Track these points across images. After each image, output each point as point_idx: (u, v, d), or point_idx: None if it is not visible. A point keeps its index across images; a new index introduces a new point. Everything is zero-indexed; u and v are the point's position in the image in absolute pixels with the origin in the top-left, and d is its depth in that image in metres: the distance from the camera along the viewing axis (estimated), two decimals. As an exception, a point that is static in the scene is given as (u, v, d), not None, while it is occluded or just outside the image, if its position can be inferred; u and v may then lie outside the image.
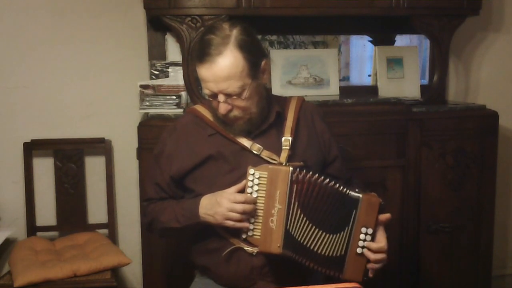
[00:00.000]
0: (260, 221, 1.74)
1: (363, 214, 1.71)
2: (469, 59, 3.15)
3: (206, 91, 1.76)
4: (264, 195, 1.73)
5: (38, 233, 2.79)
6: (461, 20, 2.76)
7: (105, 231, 2.83)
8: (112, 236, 2.81)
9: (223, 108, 1.74)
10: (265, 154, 1.79)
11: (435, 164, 2.65)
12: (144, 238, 2.49)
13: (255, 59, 1.75)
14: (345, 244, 1.73)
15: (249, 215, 1.72)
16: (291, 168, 1.72)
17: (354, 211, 1.72)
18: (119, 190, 2.91)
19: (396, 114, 2.62)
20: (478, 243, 2.74)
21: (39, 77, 2.80)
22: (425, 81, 3.14)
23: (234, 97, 1.73)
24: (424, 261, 2.70)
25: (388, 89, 2.92)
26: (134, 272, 2.92)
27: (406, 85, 2.94)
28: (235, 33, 1.72)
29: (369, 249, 1.72)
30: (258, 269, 1.78)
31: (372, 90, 3.01)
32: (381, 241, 1.73)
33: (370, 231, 1.72)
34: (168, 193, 1.88)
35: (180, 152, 1.85)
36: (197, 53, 1.74)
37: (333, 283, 1.68)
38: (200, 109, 1.90)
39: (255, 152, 1.79)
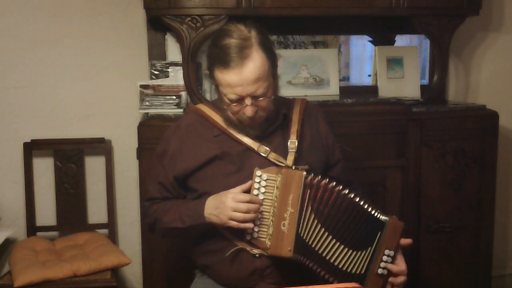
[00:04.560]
0: (266, 223, 1.74)
1: (388, 236, 1.74)
2: (469, 59, 3.15)
3: (231, 96, 1.71)
4: (271, 198, 1.73)
5: (38, 233, 2.79)
6: (461, 20, 2.76)
7: (105, 231, 2.83)
8: (112, 236, 2.81)
9: (250, 110, 1.72)
10: (272, 157, 1.78)
11: (435, 164, 2.65)
12: (144, 238, 2.49)
13: (274, 57, 1.75)
14: (366, 263, 1.75)
15: (254, 215, 1.71)
16: (304, 173, 1.72)
17: (380, 232, 1.74)
18: (119, 190, 2.91)
19: (396, 114, 2.62)
20: (478, 243, 2.74)
21: (39, 77, 2.80)
22: (425, 81, 3.14)
23: (261, 98, 1.72)
24: (424, 261, 2.70)
25: (388, 89, 2.92)
26: (134, 272, 2.92)
27: (406, 85, 2.94)
28: (254, 33, 1.71)
29: (391, 271, 1.75)
30: (260, 271, 1.78)
31: (372, 90, 3.00)
32: (401, 264, 1.76)
33: (392, 253, 1.75)
34: (171, 192, 1.88)
35: (184, 152, 1.84)
36: (218, 59, 1.70)
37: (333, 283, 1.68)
38: (204, 109, 1.89)
39: (262, 154, 1.79)
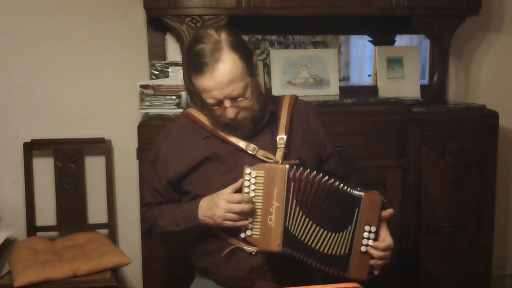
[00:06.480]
0: (259, 220, 1.74)
1: (366, 212, 1.72)
2: (469, 59, 3.15)
3: (210, 101, 1.73)
4: (261, 194, 1.73)
5: (38, 233, 2.79)
6: (461, 20, 2.76)
7: (105, 231, 2.83)
8: (112, 236, 2.81)
9: (231, 112, 1.73)
10: (260, 154, 1.79)
11: (435, 164, 2.65)
12: (144, 238, 2.49)
13: (248, 57, 1.75)
14: (349, 243, 1.73)
15: (247, 214, 1.72)
16: (287, 166, 1.72)
17: (357, 209, 1.72)
18: (119, 190, 2.92)
19: (396, 114, 2.62)
20: (478, 243, 2.75)
21: (39, 77, 2.80)
22: (425, 81, 3.14)
23: (240, 99, 1.72)
24: (424, 261, 2.70)
25: (388, 89, 2.92)
26: (134, 272, 2.92)
27: (406, 85, 2.94)
28: (224, 36, 1.72)
29: (374, 248, 1.73)
30: (257, 268, 1.78)
31: (372, 90, 3.00)
32: (385, 239, 1.75)
33: (373, 229, 1.73)
34: (165, 197, 1.88)
35: (176, 156, 1.85)
36: (192, 66, 1.73)
37: (333, 283, 1.68)
38: (194, 112, 1.90)
39: (251, 152, 1.79)
